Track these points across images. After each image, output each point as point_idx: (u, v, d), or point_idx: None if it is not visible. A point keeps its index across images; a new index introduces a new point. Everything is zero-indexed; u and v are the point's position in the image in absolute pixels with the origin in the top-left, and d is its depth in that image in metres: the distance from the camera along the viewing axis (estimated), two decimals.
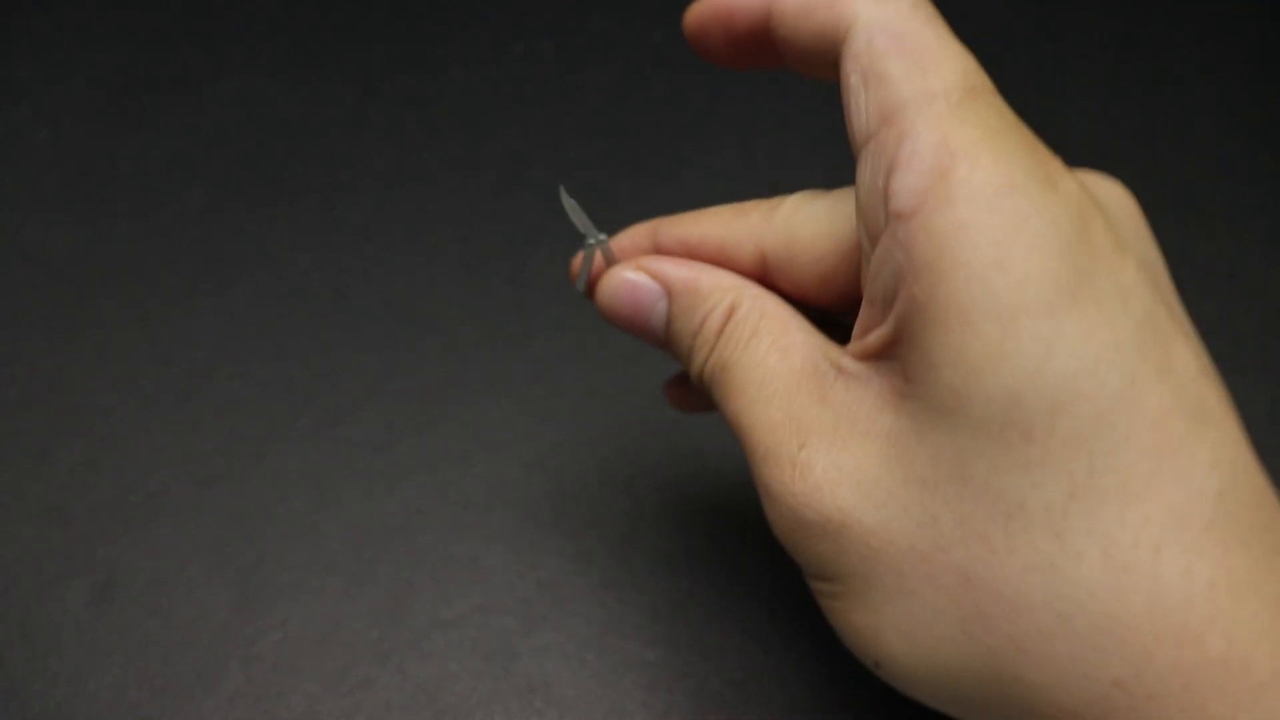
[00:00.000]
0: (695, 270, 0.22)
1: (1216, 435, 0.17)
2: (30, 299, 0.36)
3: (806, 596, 0.28)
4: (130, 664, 0.28)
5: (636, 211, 0.38)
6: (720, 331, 0.21)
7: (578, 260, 0.24)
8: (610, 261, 0.23)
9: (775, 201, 0.22)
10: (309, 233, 0.37)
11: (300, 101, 0.41)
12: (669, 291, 0.22)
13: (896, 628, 0.18)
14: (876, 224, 0.18)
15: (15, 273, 0.36)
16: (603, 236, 0.23)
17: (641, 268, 0.22)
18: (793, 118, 0.40)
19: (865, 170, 0.18)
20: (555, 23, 0.44)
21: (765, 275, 0.22)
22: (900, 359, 0.18)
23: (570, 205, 0.23)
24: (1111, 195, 0.20)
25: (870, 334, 0.18)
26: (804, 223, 0.21)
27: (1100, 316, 0.16)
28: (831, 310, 0.22)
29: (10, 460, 0.32)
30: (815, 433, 0.19)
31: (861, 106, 0.18)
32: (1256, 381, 0.33)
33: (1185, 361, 0.17)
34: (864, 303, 0.19)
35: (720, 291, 0.21)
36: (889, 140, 0.17)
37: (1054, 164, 0.17)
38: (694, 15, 0.21)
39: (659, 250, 0.23)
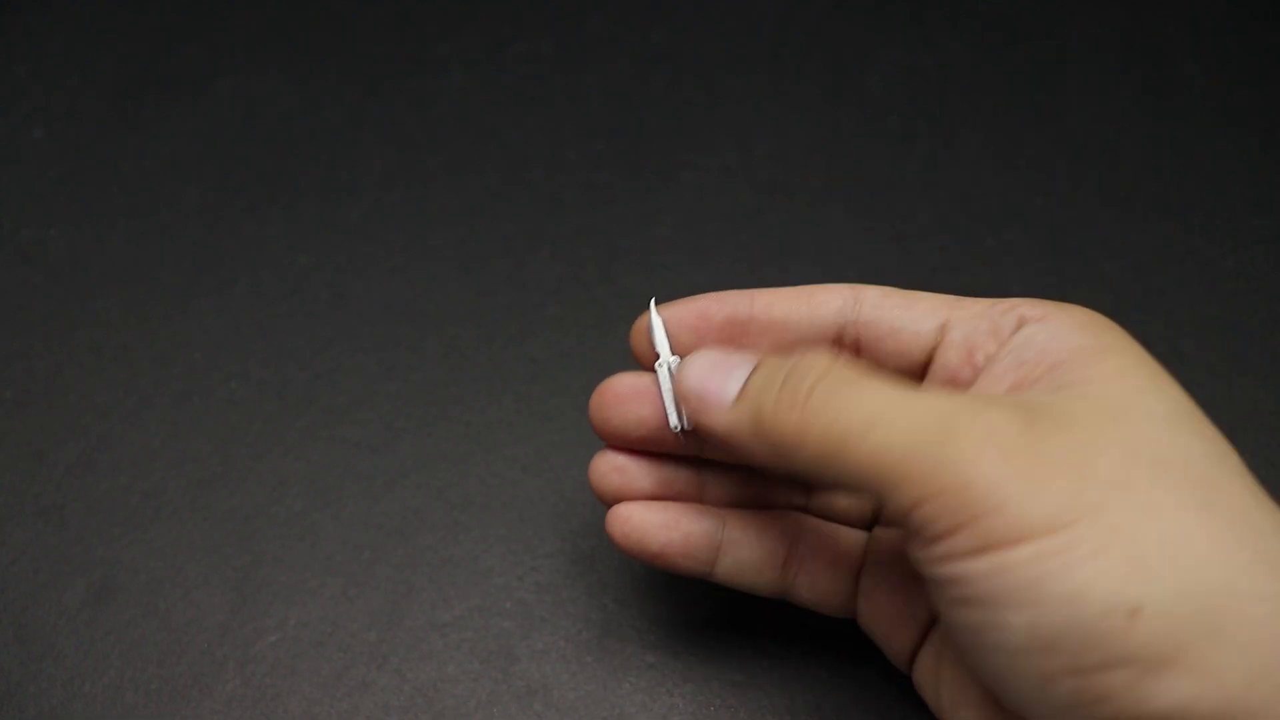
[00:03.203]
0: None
1: None
2: (27, 299, 0.35)
3: None
4: (127, 666, 0.28)
5: (636, 211, 0.38)
6: (833, 361, 0.21)
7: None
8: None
9: (849, 286, 0.24)
10: (308, 233, 0.37)
11: (300, 101, 0.41)
12: (760, 360, 0.22)
13: (1162, 553, 0.17)
14: (981, 338, 0.22)
15: (12, 273, 0.36)
16: (677, 359, 0.24)
17: (727, 348, 0.23)
18: (793, 118, 0.40)
19: (964, 329, 0.22)
20: (555, 23, 0.44)
21: (839, 344, 0.24)
22: (1068, 383, 0.20)
23: (659, 325, 0.24)
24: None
25: (1020, 388, 0.21)
26: (889, 316, 0.23)
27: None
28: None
29: (7, 461, 0.32)
30: (1024, 403, 0.19)
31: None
32: (1261, 381, 0.33)
33: None
34: (987, 376, 0.22)
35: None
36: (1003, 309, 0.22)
37: None
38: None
39: (740, 325, 0.24)
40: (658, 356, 0.24)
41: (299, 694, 0.27)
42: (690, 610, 0.28)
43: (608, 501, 0.25)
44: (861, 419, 0.19)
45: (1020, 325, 0.21)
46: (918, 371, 0.23)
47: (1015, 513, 0.17)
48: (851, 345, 0.24)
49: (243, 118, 0.41)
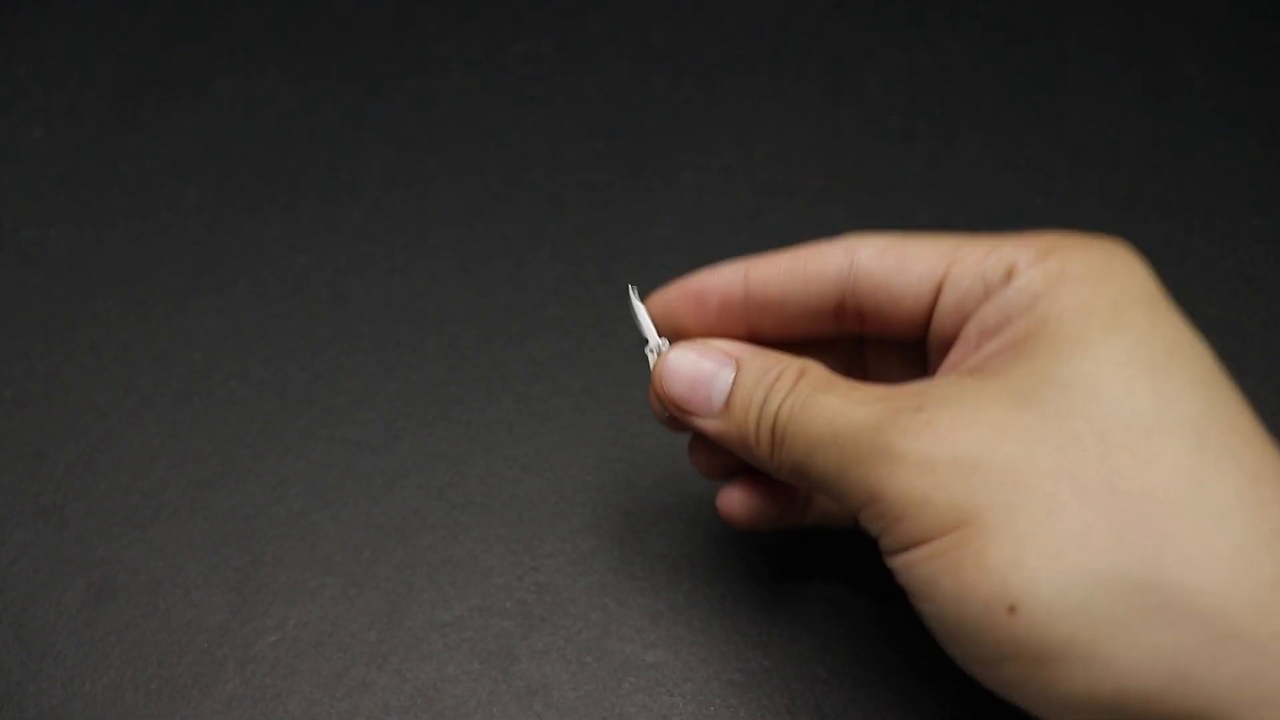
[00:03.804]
0: (753, 346, 0.23)
1: None
2: (27, 299, 0.35)
3: (806, 597, 0.28)
4: (127, 666, 0.28)
5: (636, 211, 0.38)
6: (797, 380, 0.22)
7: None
8: None
9: (844, 245, 0.23)
10: (308, 233, 0.37)
11: (300, 101, 0.41)
12: (738, 362, 0.23)
13: (1044, 550, 0.18)
14: (973, 302, 0.21)
15: (12, 272, 0.36)
16: (665, 342, 0.24)
17: (704, 342, 0.23)
18: (793, 118, 0.40)
19: (965, 279, 0.21)
20: (555, 23, 0.44)
21: (841, 311, 0.23)
22: (1009, 360, 0.20)
23: (641, 311, 0.24)
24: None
25: (971, 357, 0.21)
26: (885, 283, 0.22)
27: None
28: (898, 339, 0.23)
29: (7, 461, 0.32)
30: (928, 403, 0.20)
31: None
32: (1261, 381, 0.33)
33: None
34: (952, 349, 0.21)
35: (788, 357, 0.22)
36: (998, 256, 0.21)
37: None
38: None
39: (739, 293, 0.24)
40: (645, 341, 0.24)
41: (299, 694, 0.27)
42: (690, 610, 0.28)
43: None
44: (810, 440, 0.21)
45: (1009, 276, 0.21)
46: (923, 330, 0.23)
47: (914, 520, 0.19)
48: (854, 314, 0.23)
49: (243, 118, 0.41)
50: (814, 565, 0.29)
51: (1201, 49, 0.42)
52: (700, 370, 0.23)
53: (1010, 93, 0.41)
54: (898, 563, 0.20)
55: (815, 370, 0.22)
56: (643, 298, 0.25)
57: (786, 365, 0.22)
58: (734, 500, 0.25)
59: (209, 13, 0.44)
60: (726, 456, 0.25)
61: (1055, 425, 0.18)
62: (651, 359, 0.24)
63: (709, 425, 0.23)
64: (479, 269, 0.36)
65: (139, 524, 0.30)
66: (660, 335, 0.24)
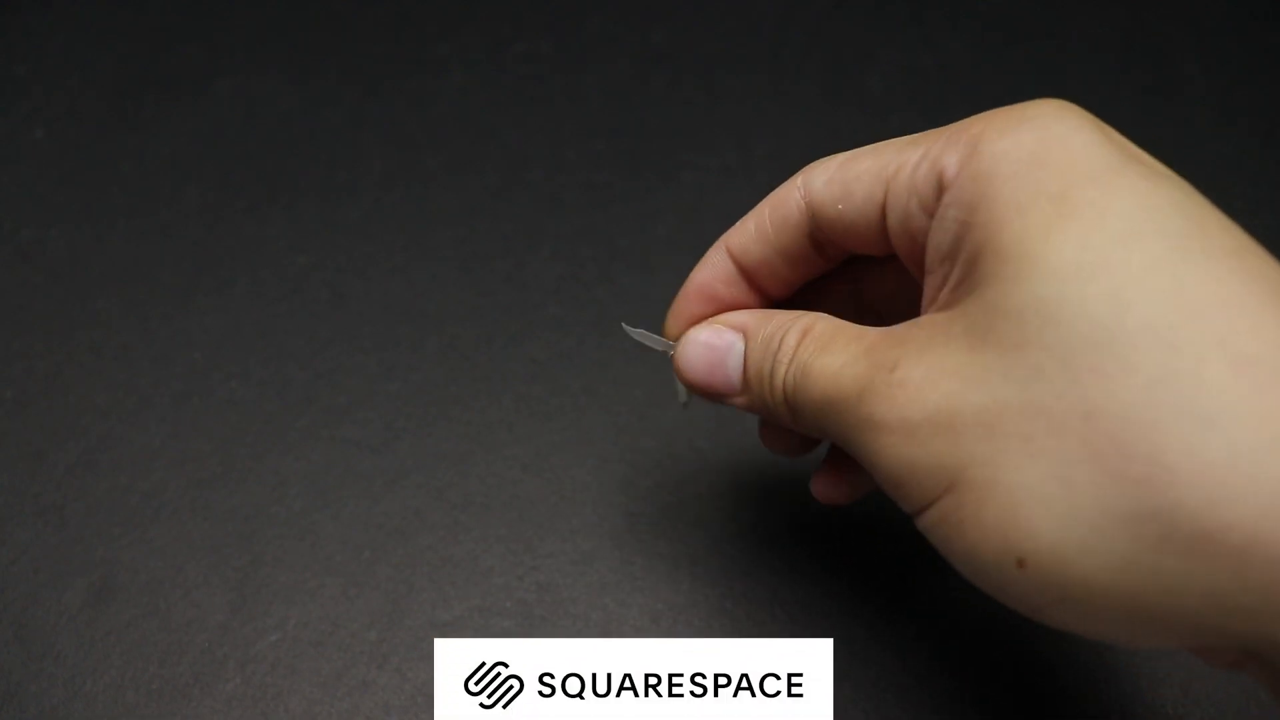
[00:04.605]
0: (762, 311, 0.23)
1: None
2: (27, 299, 0.35)
3: (806, 598, 0.28)
4: (127, 666, 0.28)
5: (636, 211, 0.38)
6: (799, 342, 0.22)
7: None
8: None
9: (797, 182, 0.23)
10: (308, 233, 0.37)
11: (300, 101, 0.41)
12: (745, 332, 0.23)
13: (1033, 498, 0.17)
14: (916, 220, 0.20)
15: (12, 273, 0.36)
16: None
17: (712, 323, 0.24)
18: (793, 118, 0.40)
19: (900, 199, 0.21)
20: (555, 23, 0.44)
21: (820, 246, 0.23)
22: (968, 288, 0.19)
23: (640, 335, 0.25)
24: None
25: (944, 289, 0.19)
26: (836, 216, 0.22)
27: (1149, 183, 0.19)
28: (875, 254, 0.23)
29: (7, 461, 0.32)
30: (903, 358, 0.19)
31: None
32: None
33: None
34: (926, 279, 0.20)
35: (793, 317, 0.22)
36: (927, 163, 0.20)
37: None
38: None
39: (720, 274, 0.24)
40: (666, 351, 0.25)
41: (299, 693, 0.27)
42: (690, 611, 0.28)
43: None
44: (814, 409, 0.21)
45: (942, 188, 0.19)
46: (890, 249, 0.22)
47: (910, 485, 0.19)
48: (830, 245, 0.23)
49: (243, 118, 0.41)
50: (814, 565, 0.29)
51: (1201, 49, 0.42)
52: (713, 352, 0.23)
53: (1010, 93, 0.41)
54: (918, 526, 0.19)
55: (817, 327, 0.22)
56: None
57: (789, 329, 0.22)
58: (825, 485, 0.26)
59: (209, 13, 0.44)
60: (791, 434, 0.26)
61: (1016, 361, 0.17)
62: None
63: (738, 401, 0.23)
64: (479, 269, 0.36)
65: (139, 524, 0.30)
66: (673, 340, 0.25)
